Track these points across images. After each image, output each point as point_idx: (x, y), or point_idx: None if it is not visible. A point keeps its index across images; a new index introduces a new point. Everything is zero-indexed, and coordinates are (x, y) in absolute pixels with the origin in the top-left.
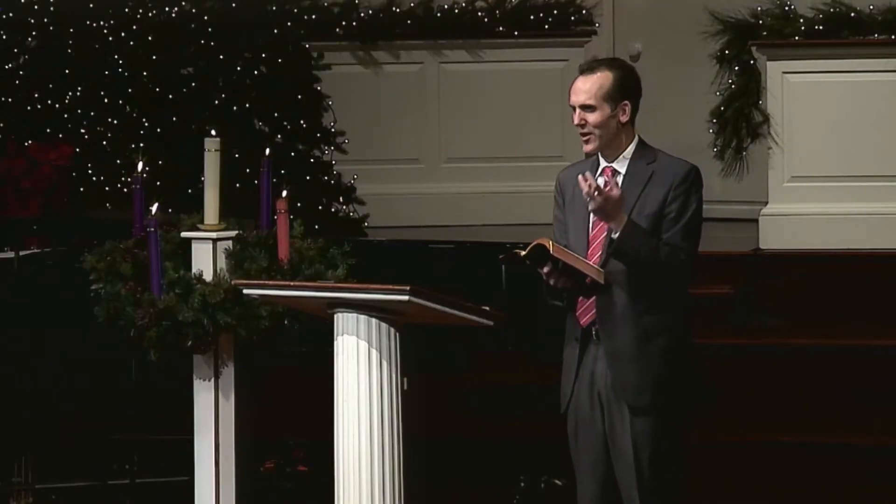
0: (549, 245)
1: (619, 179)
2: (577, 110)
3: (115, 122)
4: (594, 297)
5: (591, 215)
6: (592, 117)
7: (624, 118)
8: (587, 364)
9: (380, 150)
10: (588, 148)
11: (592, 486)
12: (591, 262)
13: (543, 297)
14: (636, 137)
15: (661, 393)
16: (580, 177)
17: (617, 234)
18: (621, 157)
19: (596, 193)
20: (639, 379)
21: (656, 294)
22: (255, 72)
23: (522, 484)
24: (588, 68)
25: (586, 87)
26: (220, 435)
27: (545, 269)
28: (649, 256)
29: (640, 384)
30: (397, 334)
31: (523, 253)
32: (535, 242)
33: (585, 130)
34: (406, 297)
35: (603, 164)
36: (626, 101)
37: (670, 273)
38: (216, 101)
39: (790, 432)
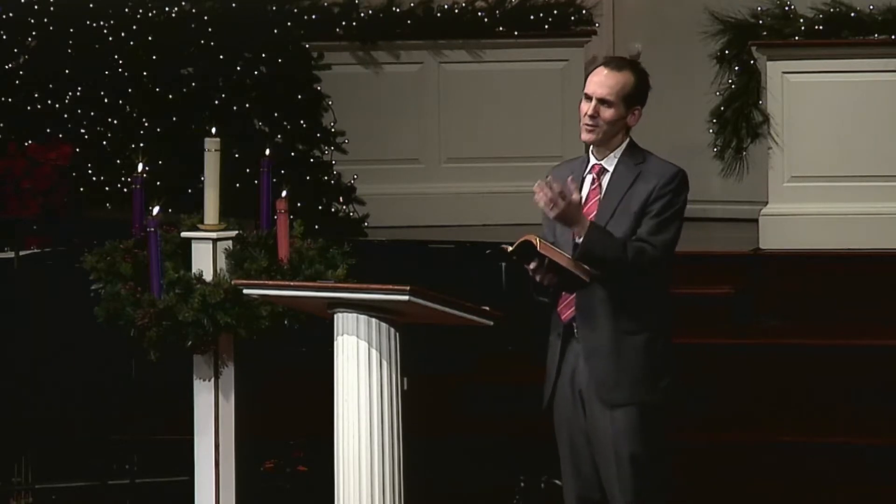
0: (536, 242)
1: (606, 178)
2: (593, 101)
3: (115, 122)
4: (575, 294)
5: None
6: (607, 113)
7: (632, 122)
8: (568, 360)
9: (380, 150)
10: (588, 138)
11: (575, 483)
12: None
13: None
14: (629, 139)
15: (638, 390)
16: (536, 186)
17: (581, 238)
18: (611, 155)
19: (560, 200)
20: (616, 376)
21: (636, 292)
22: (255, 72)
23: (522, 484)
24: (615, 65)
25: (610, 83)
26: (220, 435)
27: (531, 266)
28: (616, 256)
29: (616, 381)
30: (397, 334)
31: (510, 249)
32: (521, 239)
33: (593, 123)
34: (406, 297)
35: (592, 161)
36: (639, 107)
37: (640, 270)
38: (216, 101)
39: (790, 432)
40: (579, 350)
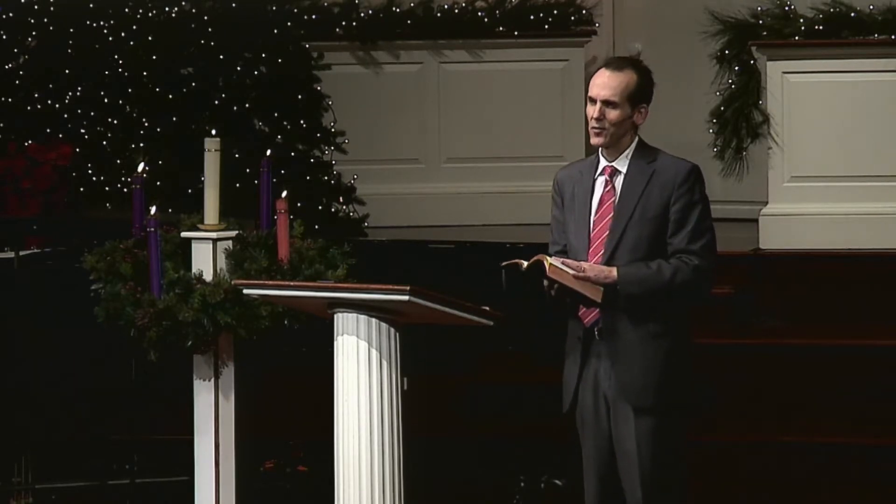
0: (546, 264)
1: (620, 180)
2: (598, 104)
3: (115, 122)
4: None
5: (593, 214)
6: (613, 114)
7: (640, 121)
8: (591, 364)
9: (380, 150)
10: (597, 141)
11: (597, 484)
12: (589, 277)
13: (543, 298)
14: (637, 138)
15: (664, 394)
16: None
17: (619, 287)
18: (622, 156)
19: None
20: (643, 380)
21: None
22: (255, 72)
23: (522, 484)
24: (616, 66)
25: (613, 84)
26: (220, 435)
27: (545, 282)
28: (658, 284)
29: (644, 385)
30: (397, 334)
31: (524, 267)
32: (536, 258)
33: (601, 125)
34: (406, 297)
35: (603, 163)
36: (645, 105)
37: (690, 286)
38: (216, 101)
39: (790, 432)
40: (603, 354)
